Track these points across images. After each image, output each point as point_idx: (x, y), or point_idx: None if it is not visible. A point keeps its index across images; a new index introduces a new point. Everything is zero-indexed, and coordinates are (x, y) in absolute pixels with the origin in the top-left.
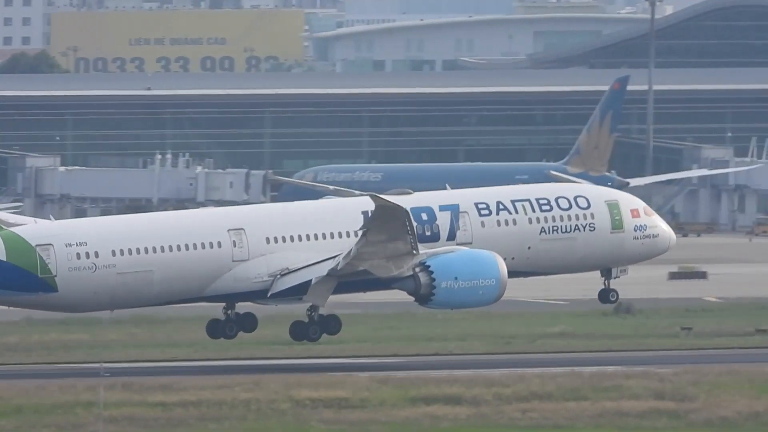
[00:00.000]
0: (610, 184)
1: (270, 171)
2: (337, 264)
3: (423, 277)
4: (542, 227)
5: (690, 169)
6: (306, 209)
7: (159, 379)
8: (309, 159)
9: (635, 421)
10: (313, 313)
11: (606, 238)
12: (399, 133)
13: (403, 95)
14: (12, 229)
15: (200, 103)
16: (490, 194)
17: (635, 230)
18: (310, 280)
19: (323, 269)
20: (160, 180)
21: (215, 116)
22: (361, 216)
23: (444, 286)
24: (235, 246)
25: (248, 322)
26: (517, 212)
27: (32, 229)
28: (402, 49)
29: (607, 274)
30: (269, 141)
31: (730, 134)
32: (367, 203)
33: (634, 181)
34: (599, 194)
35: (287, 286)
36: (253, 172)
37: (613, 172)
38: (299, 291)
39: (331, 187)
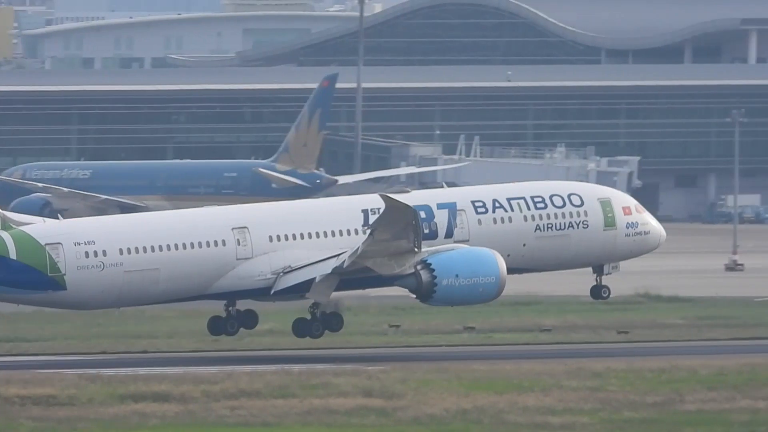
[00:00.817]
0: (318, 181)
1: None
2: (343, 262)
3: (425, 275)
4: (537, 225)
5: (398, 166)
6: (308, 207)
7: None
8: (18, 156)
9: (343, 418)
10: (315, 311)
11: (599, 235)
12: (108, 130)
13: (112, 92)
14: (22, 228)
15: None
16: (486, 192)
17: (627, 227)
18: (313, 278)
19: (327, 267)
20: None
21: None
22: (362, 214)
23: (445, 284)
24: (239, 244)
25: (249, 319)
26: (512, 210)
27: (42, 228)
28: (111, 47)
29: (599, 270)
30: None
31: (438, 132)
32: (367, 202)
33: (343, 179)
34: (592, 192)
35: (290, 284)
36: None
37: (321, 169)
38: (302, 288)
39: (40, 185)
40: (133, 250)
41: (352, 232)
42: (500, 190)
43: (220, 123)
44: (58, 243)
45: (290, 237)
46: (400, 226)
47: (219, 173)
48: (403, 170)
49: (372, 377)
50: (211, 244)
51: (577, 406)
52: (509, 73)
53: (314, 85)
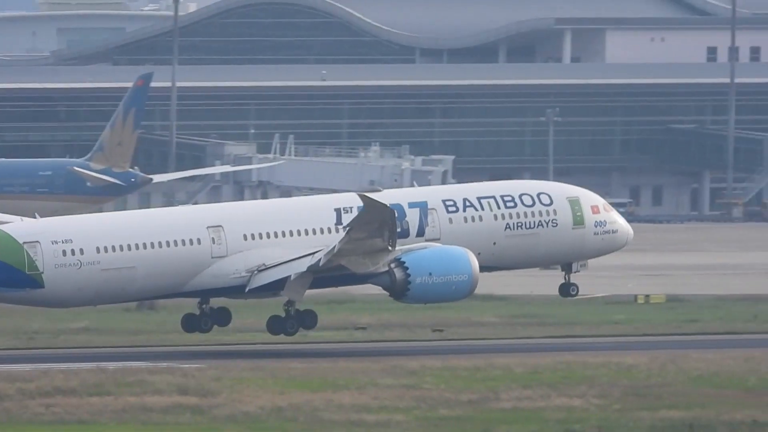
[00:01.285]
0: (133, 180)
1: None
2: (318, 260)
3: (398, 273)
4: (507, 223)
5: (213, 165)
6: (281, 206)
7: None
8: None
9: (159, 416)
10: (290, 308)
11: (568, 234)
12: None
13: None
14: (0, 227)
15: None
16: (457, 191)
17: (595, 226)
18: (287, 276)
19: (302, 265)
20: None
21: None
22: (335, 213)
23: (419, 282)
24: (213, 243)
25: (223, 316)
26: (483, 209)
27: (19, 226)
28: None
29: (567, 268)
30: None
31: (253, 131)
32: (340, 201)
33: (158, 177)
34: (561, 191)
35: (265, 282)
36: None
37: (136, 168)
38: (276, 286)
39: None
40: (109, 249)
41: (326, 231)
42: (471, 189)
43: (34, 122)
44: (36, 241)
45: (264, 235)
46: (376, 225)
47: (33, 172)
48: (218, 169)
49: (187, 375)
50: (187, 242)
51: (392, 403)
52: (324, 72)
53: (129, 84)
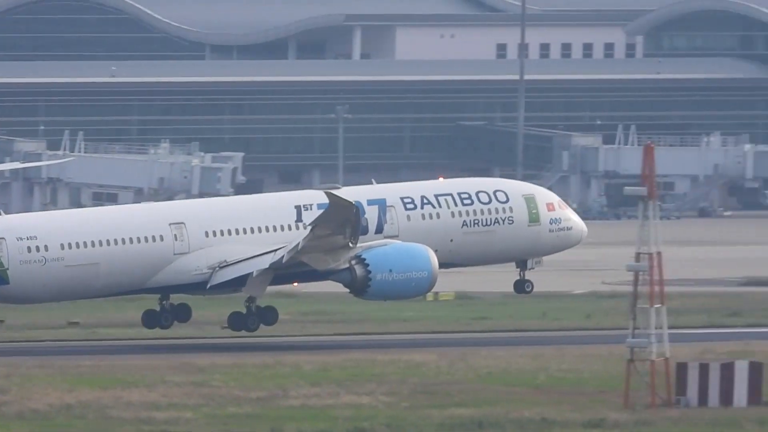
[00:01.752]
0: None
1: None
2: (281, 257)
3: (359, 270)
4: (464, 221)
5: (2, 161)
6: (243, 204)
7: None
8: None
9: None
10: (251, 305)
11: (524, 231)
12: None
13: None
14: None
15: None
16: (414, 189)
17: (551, 223)
18: (249, 273)
19: (264, 262)
20: None
21: None
22: (295, 210)
23: (379, 278)
24: (176, 239)
25: (183, 312)
26: (440, 206)
27: None
28: None
29: (522, 265)
30: None
31: (42, 127)
32: (300, 198)
33: None
34: (517, 188)
35: (226, 279)
36: None
37: None
38: (237, 283)
39: None
40: (73, 245)
41: (286, 228)
42: (428, 187)
43: None
44: (2, 238)
45: (226, 232)
46: (341, 222)
47: None
48: (7, 166)
49: None
50: (150, 239)
51: (181, 401)
52: (113, 68)
53: None
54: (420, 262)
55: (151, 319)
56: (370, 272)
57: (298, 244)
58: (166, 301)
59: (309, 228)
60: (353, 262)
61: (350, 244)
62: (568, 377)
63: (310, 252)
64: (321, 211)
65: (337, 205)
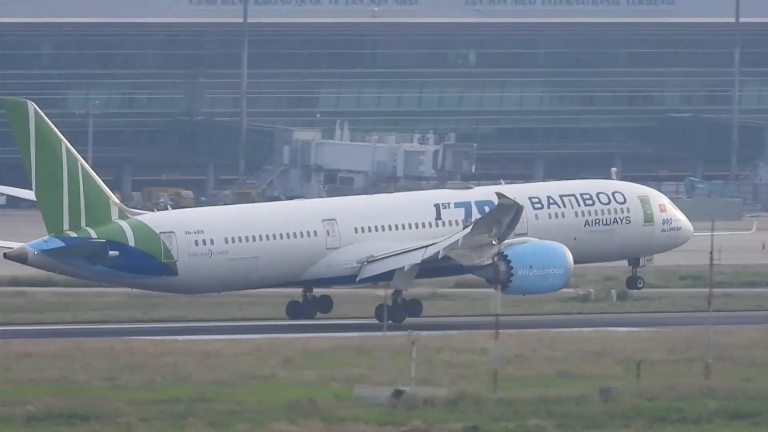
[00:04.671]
0: None
1: None
2: (437, 252)
3: (502, 266)
4: (586, 220)
5: None
6: (387, 201)
7: None
8: None
9: None
10: (397, 297)
11: (639, 231)
12: None
13: None
14: (137, 217)
15: None
16: (541, 189)
17: (663, 223)
18: (395, 267)
19: (416, 257)
20: None
21: None
22: (434, 209)
23: (520, 274)
24: (328, 235)
25: (325, 304)
26: (564, 206)
27: (156, 217)
28: None
29: (634, 263)
30: None
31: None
32: (439, 197)
33: None
34: (634, 190)
35: (375, 273)
36: None
37: None
38: (385, 277)
39: None
40: (236, 239)
41: (426, 225)
42: (553, 187)
43: None
44: (171, 232)
45: (373, 229)
46: (505, 222)
47: None
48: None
49: None
50: (304, 234)
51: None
52: None
53: None
54: (557, 259)
55: (294, 311)
56: (512, 268)
57: (458, 240)
58: (309, 293)
59: (470, 225)
60: (496, 258)
61: (494, 242)
62: None
63: (458, 248)
64: (458, 209)
65: (504, 204)
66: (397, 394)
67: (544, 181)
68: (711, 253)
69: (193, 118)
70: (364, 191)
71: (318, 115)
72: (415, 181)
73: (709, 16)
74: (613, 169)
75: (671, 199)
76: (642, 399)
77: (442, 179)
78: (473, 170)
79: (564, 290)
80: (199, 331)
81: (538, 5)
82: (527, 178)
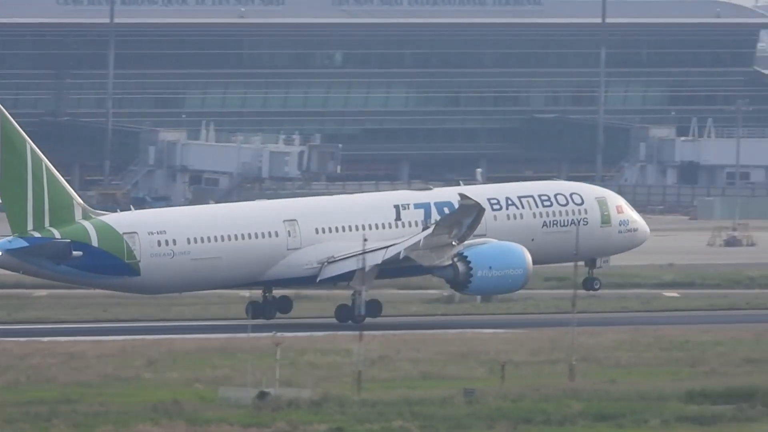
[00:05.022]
0: None
1: None
2: (398, 253)
3: (461, 267)
4: (544, 221)
5: None
6: (348, 202)
7: None
8: None
9: None
10: (357, 298)
11: (596, 232)
12: None
13: None
14: (101, 218)
15: None
16: (500, 190)
17: (620, 225)
18: (355, 268)
19: (377, 258)
20: None
21: None
22: (394, 210)
23: (480, 275)
24: (289, 236)
25: (284, 304)
26: (523, 207)
27: (119, 217)
28: None
29: (591, 263)
30: None
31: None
32: (399, 198)
33: None
34: (591, 191)
35: (336, 273)
36: None
37: None
38: (345, 277)
39: None
40: (198, 240)
41: (387, 226)
42: (512, 188)
43: None
44: (134, 232)
45: (333, 229)
46: (465, 222)
47: None
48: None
49: None
50: (266, 235)
51: None
52: None
53: None
54: (517, 260)
55: (255, 311)
56: (471, 269)
57: (420, 241)
58: (269, 293)
59: (432, 226)
60: (456, 259)
61: (453, 243)
62: None
63: (419, 248)
64: (417, 210)
65: (465, 205)
66: (262, 395)
67: (409, 182)
68: (576, 253)
69: (58, 118)
70: (229, 192)
71: (183, 116)
72: (280, 182)
73: (576, 16)
74: (478, 170)
75: None
76: (506, 400)
77: (307, 180)
78: (339, 171)
79: (428, 291)
80: (64, 332)
81: (405, 6)
82: (392, 179)
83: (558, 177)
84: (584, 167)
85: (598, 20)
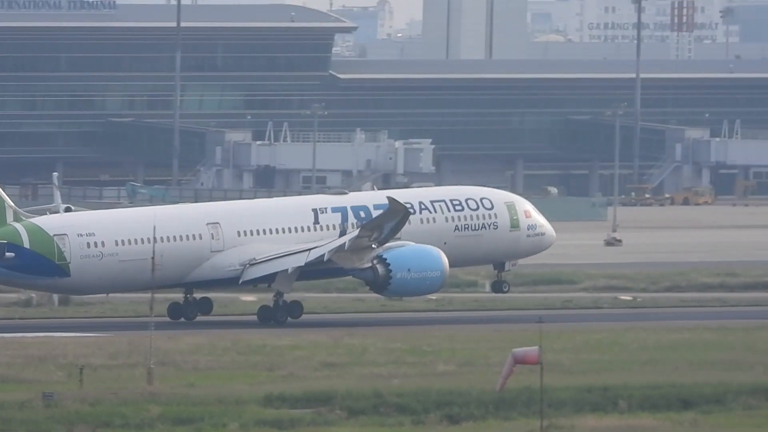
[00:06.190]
0: None
1: None
2: (321, 255)
3: (381, 269)
4: (456, 225)
5: None
6: (268, 206)
7: None
8: None
9: None
10: (279, 299)
11: (506, 236)
12: None
13: None
14: (32, 220)
15: None
16: (413, 195)
17: (528, 229)
18: (278, 270)
19: (300, 260)
20: None
21: None
22: (312, 213)
23: (399, 277)
24: (212, 238)
25: (205, 305)
26: (435, 211)
27: (50, 219)
28: None
29: (500, 267)
30: None
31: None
32: (316, 202)
33: None
34: (500, 196)
35: (257, 275)
36: None
37: None
38: (267, 279)
39: None
40: (126, 242)
41: (305, 229)
42: (425, 193)
43: None
44: (64, 234)
45: (254, 232)
46: (391, 225)
47: None
48: None
49: None
50: (190, 237)
51: None
52: None
53: None
54: (434, 262)
55: (175, 312)
56: (390, 271)
57: (345, 243)
58: (190, 295)
59: (358, 229)
60: (375, 261)
61: (374, 246)
62: None
63: (344, 251)
64: (335, 214)
65: (394, 209)
66: None
67: None
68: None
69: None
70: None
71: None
72: None
73: (151, 21)
74: (55, 174)
75: (116, 205)
76: (85, 404)
77: None
78: None
79: (6, 295)
80: None
81: None
82: None
83: (135, 180)
84: (161, 171)
85: (174, 24)
